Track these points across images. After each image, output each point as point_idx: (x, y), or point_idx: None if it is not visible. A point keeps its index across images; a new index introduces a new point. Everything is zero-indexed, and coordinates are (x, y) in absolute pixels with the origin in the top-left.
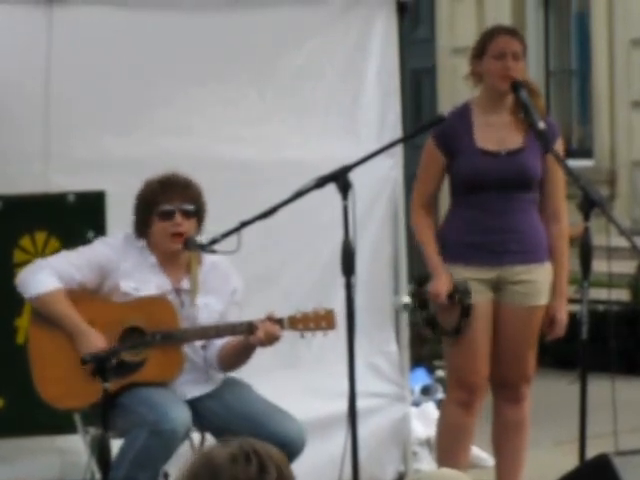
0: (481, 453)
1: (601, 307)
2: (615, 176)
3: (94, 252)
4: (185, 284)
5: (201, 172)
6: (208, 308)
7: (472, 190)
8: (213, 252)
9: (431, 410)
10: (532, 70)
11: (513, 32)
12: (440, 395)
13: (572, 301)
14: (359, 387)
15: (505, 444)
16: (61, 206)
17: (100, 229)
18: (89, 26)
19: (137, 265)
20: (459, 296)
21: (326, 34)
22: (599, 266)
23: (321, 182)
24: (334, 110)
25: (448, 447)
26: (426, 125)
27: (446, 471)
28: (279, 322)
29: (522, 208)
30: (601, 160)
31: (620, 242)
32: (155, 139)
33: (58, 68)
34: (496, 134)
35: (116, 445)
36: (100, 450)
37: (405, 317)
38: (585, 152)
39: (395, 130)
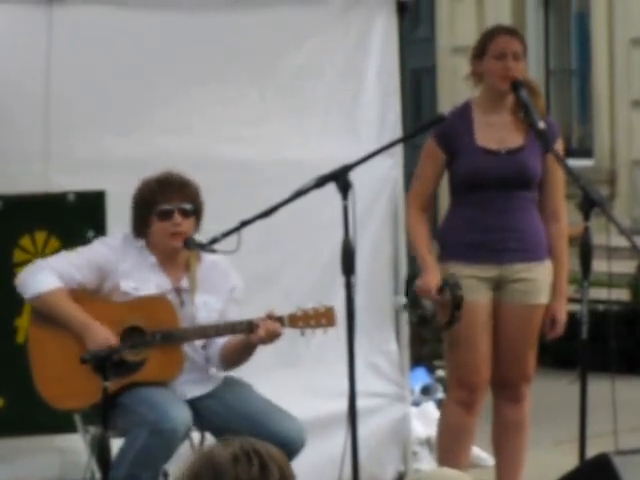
0: (481, 453)
1: (601, 307)
2: (615, 176)
3: (93, 252)
4: (184, 283)
5: (201, 172)
6: (207, 307)
7: (472, 189)
8: (213, 251)
9: (431, 410)
10: (532, 70)
11: (513, 32)
12: (440, 395)
13: (572, 301)
14: (359, 387)
15: (505, 444)
16: (61, 206)
17: (100, 229)
18: (89, 26)
19: (137, 265)
20: (450, 289)
21: (326, 34)
22: (599, 266)
23: (321, 182)
24: (334, 110)
25: (449, 447)
26: (426, 125)
27: (446, 471)
28: (279, 320)
29: (522, 207)
30: (601, 160)
31: (620, 242)
32: (155, 139)
33: (58, 68)
34: (496, 133)
35: (116, 444)
36: (100, 449)
37: (405, 317)
38: (585, 152)
39: (395, 130)
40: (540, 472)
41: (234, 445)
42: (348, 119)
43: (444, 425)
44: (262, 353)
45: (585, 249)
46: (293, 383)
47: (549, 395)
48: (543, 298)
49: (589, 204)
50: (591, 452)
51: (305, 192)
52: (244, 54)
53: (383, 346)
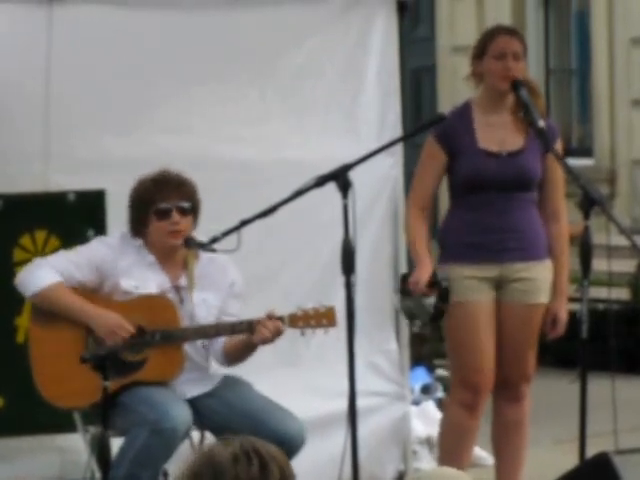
0: (481, 452)
1: (601, 306)
2: (615, 175)
3: (92, 251)
4: (183, 281)
5: (201, 171)
6: (206, 304)
7: (472, 190)
8: (213, 251)
9: (431, 409)
10: (532, 69)
11: (513, 32)
12: (440, 394)
13: (572, 300)
14: (359, 386)
15: (505, 443)
16: (61, 205)
17: (100, 228)
18: (89, 25)
19: (136, 263)
20: (437, 280)
21: (326, 33)
22: (599, 265)
23: (321, 181)
24: (334, 109)
25: (451, 448)
26: (426, 124)
27: (446, 470)
28: (280, 320)
29: (521, 207)
30: (601, 159)
31: (620, 241)
32: (155, 138)
33: (58, 67)
34: (497, 134)
35: (116, 444)
36: (100, 449)
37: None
38: (585, 151)
39: (395, 129)
40: (540, 471)
41: (234, 444)
42: (348, 119)
43: (447, 426)
44: (262, 352)
45: (585, 248)
46: (293, 382)
47: (549, 394)
48: (543, 297)
49: (589, 203)
50: (591, 451)
51: (305, 191)
52: (244, 54)
53: (383, 345)
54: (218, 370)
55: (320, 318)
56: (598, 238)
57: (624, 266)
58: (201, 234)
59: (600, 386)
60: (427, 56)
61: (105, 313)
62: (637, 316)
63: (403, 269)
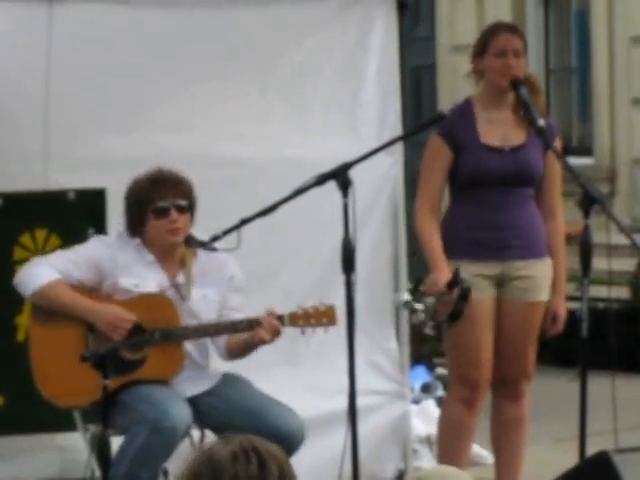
0: (481, 450)
1: (601, 305)
2: (615, 174)
3: (90, 250)
4: (181, 278)
5: (202, 170)
6: (206, 300)
7: (474, 186)
8: (214, 249)
9: (431, 408)
10: (532, 68)
11: (514, 29)
12: (440, 393)
13: (572, 299)
14: (359, 384)
15: (504, 441)
16: (61, 203)
17: (100, 226)
18: (89, 24)
19: (135, 261)
20: (458, 280)
21: (326, 32)
22: (599, 264)
23: (321, 179)
24: (334, 108)
25: (449, 445)
26: (426, 123)
27: (446, 469)
28: (280, 319)
29: (522, 203)
30: (601, 158)
31: (620, 240)
32: (155, 137)
33: (58, 66)
34: (499, 130)
35: (116, 442)
36: (100, 448)
37: (405, 314)
38: (585, 150)
39: (395, 128)
40: (539, 470)
41: (233, 443)
42: (348, 117)
43: (445, 423)
44: (263, 351)
45: (585, 247)
46: (293, 381)
47: (549, 393)
48: (543, 295)
49: (589, 202)
50: (591, 450)
51: (305, 190)
52: (244, 52)
53: (383, 344)
54: (217, 368)
55: (320, 317)
56: (598, 237)
57: (624, 265)
58: (201, 232)
59: (600, 385)
60: (427, 55)
61: (104, 307)
62: (637, 315)
63: (403, 268)
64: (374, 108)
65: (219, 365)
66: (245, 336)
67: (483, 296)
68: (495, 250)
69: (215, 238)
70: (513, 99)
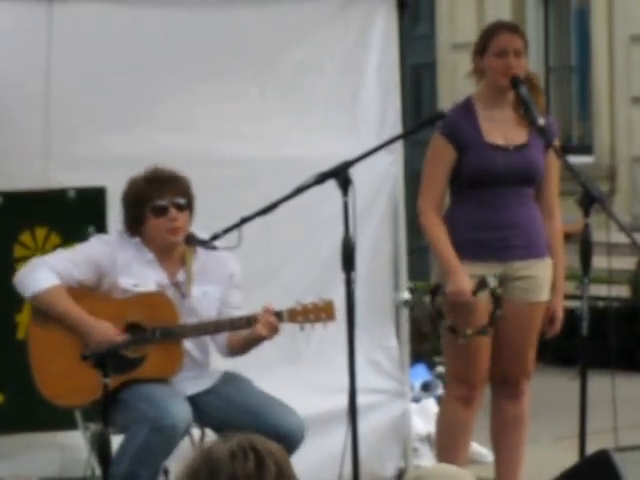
0: (480, 449)
1: (601, 303)
2: (615, 172)
3: (90, 249)
4: (181, 276)
5: (202, 169)
6: (207, 297)
7: (477, 185)
8: (214, 248)
9: (431, 406)
10: (532, 66)
11: (514, 29)
12: (440, 391)
13: (572, 297)
14: (359, 383)
15: (504, 440)
16: (61, 202)
17: (100, 225)
18: (89, 23)
19: (134, 260)
20: (488, 287)
21: (326, 30)
22: (599, 262)
23: (321, 178)
24: (334, 106)
25: (447, 443)
26: (426, 121)
27: (446, 467)
28: (278, 315)
29: (521, 202)
30: (601, 156)
31: (620, 238)
32: (156, 136)
33: (58, 65)
34: (501, 128)
35: (116, 441)
36: (100, 446)
37: (405, 313)
38: (585, 148)
39: (395, 126)
40: (539, 468)
41: (232, 441)
42: (348, 116)
43: (443, 421)
44: (262, 349)
45: (585, 246)
46: (294, 379)
47: (549, 391)
48: (544, 295)
49: (589, 200)
50: (591, 448)
51: (305, 188)
52: (244, 51)
53: (383, 342)
54: (217, 367)
55: (319, 312)
56: (598, 235)
57: (624, 263)
58: (202, 231)
59: (600, 383)
60: (427, 53)
61: (96, 324)
62: (637, 313)
63: (403, 266)
64: (374, 106)
65: (219, 364)
66: (245, 333)
67: (483, 296)
68: (496, 250)
69: (215, 236)
70: (513, 98)
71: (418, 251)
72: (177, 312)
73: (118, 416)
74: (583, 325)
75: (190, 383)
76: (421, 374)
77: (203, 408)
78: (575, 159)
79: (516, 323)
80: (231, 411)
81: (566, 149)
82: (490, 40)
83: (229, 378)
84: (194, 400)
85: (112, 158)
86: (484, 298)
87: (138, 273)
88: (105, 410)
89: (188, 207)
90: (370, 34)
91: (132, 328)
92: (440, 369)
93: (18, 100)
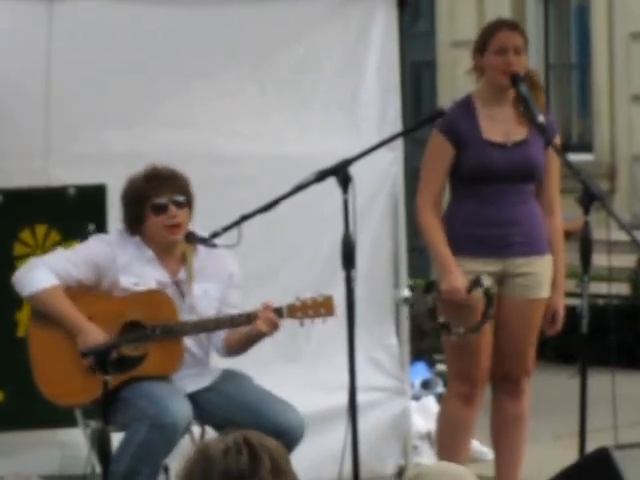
0: (481, 447)
1: (601, 301)
2: (615, 170)
3: (90, 249)
4: (182, 275)
5: (202, 166)
6: (207, 295)
7: (476, 182)
8: (214, 246)
9: (431, 404)
10: (532, 64)
11: (514, 26)
12: (440, 389)
13: (572, 295)
14: (359, 381)
15: (504, 438)
16: (61, 199)
17: (100, 223)
18: (89, 21)
19: (135, 258)
20: (482, 286)
21: (326, 28)
22: (599, 260)
23: (321, 176)
24: (334, 104)
25: (448, 441)
26: (426, 119)
27: (446, 465)
28: (278, 311)
29: (523, 199)
30: (601, 154)
31: (620, 236)
32: (155, 133)
33: (58, 63)
34: (501, 126)
35: (116, 439)
36: (100, 444)
37: (405, 311)
38: (585, 146)
39: (395, 124)
40: (539, 466)
41: (228, 438)
42: (348, 113)
43: (444, 419)
44: (263, 347)
45: (585, 243)
46: (294, 377)
47: (549, 389)
48: (544, 292)
49: (589, 198)
50: (591, 446)
51: (305, 186)
52: (244, 48)
53: (383, 340)
54: (217, 364)
55: (318, 308)
56: (598, 233)
57: (624, 261)
58: (201, 229)
59: (600, 381)
60: (427, 51)
61: (89, 329)
62: (637, 311)
63: (403, 264)
64: (374, 104)
65: (219, 362)
66: (245, 330)
67: (477, 295)
68: (496, 247)
69: (215, 234)
70: (513, 96)
71: (418, 249)
72: (177, 310)
73: (118, 414)
74: (583, 323)
75: (190, 381)
76: (421, 372)
77: (203, 405)
78: (575, 157)
79: (516, 320)
80: (231, 408)
81: (566, 147)
82: (490, 38)
83: (229, 375)
84: (194, 398)
85: (112, 156)
86: (478, 297)
87: (138, 272)
88: (105, 408)
89: (187, 205)
90: (370, 32)
91: (132, 326)
92: (440, 367)
93: (18, 98)
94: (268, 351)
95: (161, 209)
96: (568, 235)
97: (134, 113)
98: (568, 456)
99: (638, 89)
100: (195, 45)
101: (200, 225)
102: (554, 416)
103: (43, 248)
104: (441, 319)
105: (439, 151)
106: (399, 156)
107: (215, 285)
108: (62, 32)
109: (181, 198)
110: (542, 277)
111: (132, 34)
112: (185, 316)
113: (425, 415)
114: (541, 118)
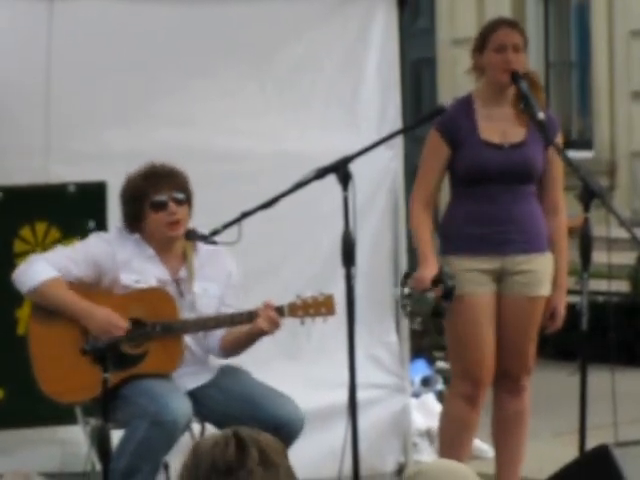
0: (481, 444)
1: (601, 298)
2: (615, 167)
3: (89, 247)
4: (183, 273)
5: (201, 164)
6: (207, 294)
7: (473, 182)
8: (214, 243)
9: (431, 401)
10: (532, 62)
11: (514, 24)
12: (440, 386)
13: (572, 292)
14: (359, 378)
15: (505, 435)
16: (61, 196)
17: (101, 220)
18: (89, 19)
19: (135, 256)
20: (443, 279)
21: (326, 26)
22: (599, 257)
23: (321, 173)
24: (334, 101)
25: (451, 441)
26: (426, 116)
27: (446, 462)
28: (279, 310)
29: (522, 200)
30: (601, 151)
31: (620, 233)
32: (155, 131)
33: (59, 61)
34: (499, 126)
35: (116, 436)
36: (100, 441)
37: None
38: (585, 143)
39: (395, 122)
40: (539, 464)
41: (218, 433)
42: (348, 111)
43: (447, 419)
44: (263, 344)
45: (585, 240)
46: (293, 374)
47: (549, 386)
48: (544, 290)
49: (589, 195)
50: (591, 444)
51: (305, 184)
52: (244, 46)
53: (383, 337)
54: (216, 361)
55: (319, 307)
56: (598, 230)
57: (624, 258)
58: (202, 226)
59: (600, 378)
60: (427, 48)
61: (98, 311)
62: (637, 308)
63: (403, 261)
64: (374, 102)
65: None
66: (245, 329)
67: (482, 291)
68: (495, 245)
69: (215, 232)
70: (513, 95)
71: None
72: (177, 308)
73: (118, 411)
74: (583, 320)
75: (190, 378)
76: (421, 369)
77: (203, 402)
78: (575, 154)
79: (515, 318)
80: (230, 402)
81: (566, 144)
82: (489, 36)
83: (228, 370)
84: (194, 394)
85: (112, 153)
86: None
87: (139, 269)
88: (105, 405)
89: (187, 202)
90: (370, 30)
91: (133, 323)
92: (440, 364)
93: (18, 96)
94: (268, 349)
95: (160, 206)
96: (568, 232)
97: (134, 111)
98: (568, 453)
99: (638, 87)
100: (195, 43)
101: (200, 222)
102: (554, 413)
103: (43, 245)
104: (408, 307)
105: (434, 150)
106: (399, 153)
107: (215, 284)
108: (62, 31)
109: (180, 195)
110: (542, 275)
111: (132, 32)
112: (185, 314)
113: (425, 412)
114: (541, 115)
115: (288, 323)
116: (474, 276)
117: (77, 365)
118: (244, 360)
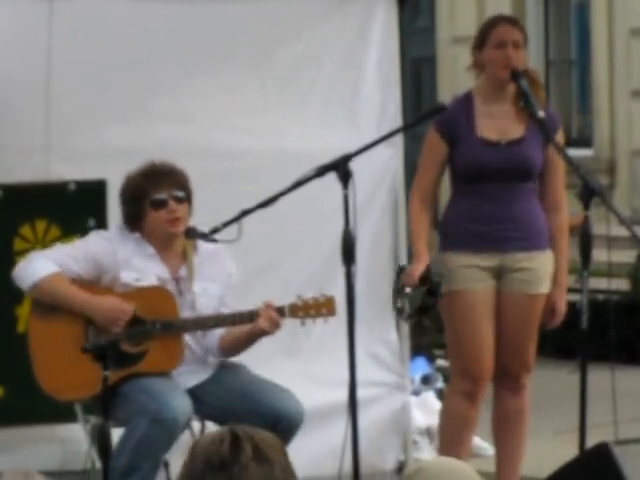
0: (481, 442)
1: (601, 296)
2: (615, 165)
3: (89, 245)
4: (183, 272)
5: (201, 161)
6: (207, 293)
7: (472, 180)
8: (214, 241)
9: (431, 399)
10: (532, 60)
11: (513, 21)
12: (440, 384)
13: (572, 290)
14: (359, 376)
15: (505, 433)
16: (62, 194)
17: (101, 218)
18: (89, 17)
19: (135, 254)
20: (429, 275)
21: (326, 23)
22: (599, 255)
23: (321, 171)
24: (334, 100)
25: (450, 437)
26: (426, 114)
27: (446, 460)
28: (280, 310)
29: (522, 197)
30: (601, 149)
31: (620, 231)
32: (155, 129)
33: (59, 59)
34: (498, 124)
35: (116, 434)
36: (100, 439)
37: (406, 307)
38: (585, 141)
39: (395, 120)
40: (540, 462)
41: (217, 430)
42: (348, 109)
43: (446, 416)
44: (262, 343)
45: (585, 239)
46: (293, 372)
47: (549, 385)
48: (544, 288)
49: (589, 194)
50: (591, 442)
51: (305, 181)
52: (244, 44)
53: (383, 335)
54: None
55: (320, 307)
56: (598, 229)
57: (624, 257)
58: (201, 224)
59: (600, 377)
60: (427, 46)
61: (102, 299)
62: (637, 307)
63: (403, 259)
64: (374, 100)
65: None
66: (245, 329)
67: (481, 288)
68: (495, 242)
69: (215, 230)
70: (513, 92)
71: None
72: (177, 306)
73: (118, 409)
74: (583, 318)
75: (190, 376)
76: (421, 367)
77: (202, 398)
78: (575, 152)
79: (515, 315)
80: (230, 397)
81: (566, 142)
82: (489, 33)
83: (226, 365)
84: (194, 392)
85: (112, 151)
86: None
87: (139, 267)
88: (105, 403)
89: (187, 200)
90: (370, 28)
91: (133, 321)
92: (440, 362)
93: (19, 94)
94: (268, 347)
95: (160, 204)
96: (570, 230)
97: (134, 109)
98: (568, 452)
99: (638, 85)
100: (195, 41)
101: (200, 220)
102: (554, 412)
103: (43, 243)
104: (399, 303)
105: (433, 148)
106: (399, 151)
107: (215, 284)
108: (62, 29)
109: (180, 193)
110: (542, 272)
111: (132, 30)
112: (185, 313)
113: (425, 410)
114: (541, 113)
115: (289, 321)
116: (473, 272)
117: (77, 362)
118: (244, 358)
